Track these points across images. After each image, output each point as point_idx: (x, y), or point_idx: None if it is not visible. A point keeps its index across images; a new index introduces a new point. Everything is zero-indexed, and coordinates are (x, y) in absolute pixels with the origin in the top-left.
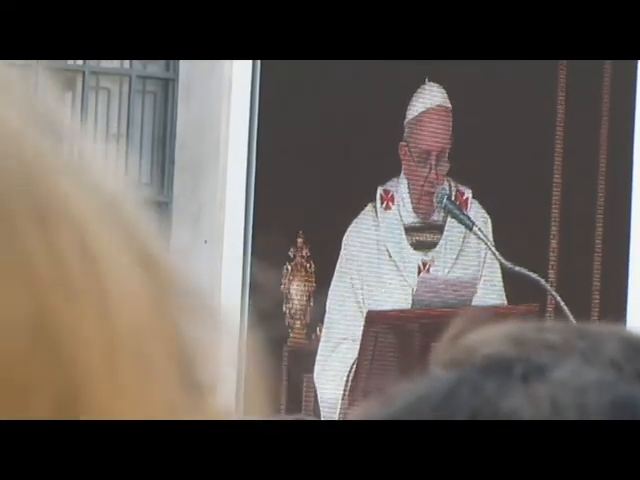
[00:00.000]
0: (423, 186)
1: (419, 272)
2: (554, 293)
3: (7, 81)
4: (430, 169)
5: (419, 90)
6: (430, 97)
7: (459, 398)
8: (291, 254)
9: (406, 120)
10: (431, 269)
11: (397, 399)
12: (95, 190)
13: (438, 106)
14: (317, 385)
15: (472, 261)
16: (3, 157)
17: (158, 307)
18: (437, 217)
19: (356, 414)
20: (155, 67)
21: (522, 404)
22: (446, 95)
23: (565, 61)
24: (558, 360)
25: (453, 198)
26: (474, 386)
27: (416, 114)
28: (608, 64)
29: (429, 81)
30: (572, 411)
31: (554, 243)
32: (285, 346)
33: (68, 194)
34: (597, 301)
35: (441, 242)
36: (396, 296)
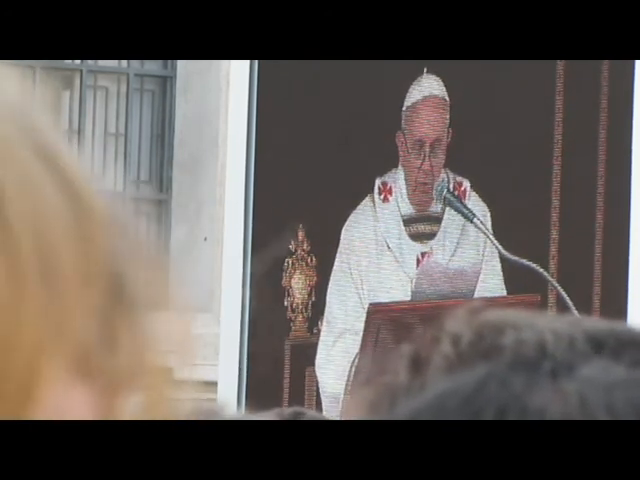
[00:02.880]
0: (418, 176)
1: (418, 263)
2: (555, 283)
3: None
4: (424, 158)
5: (416, 80)
6: (427, 87)
7: (487, 393)
8: (292, 248)
9: (402, 109)
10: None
11: (425, 392)
12: (17, 115)
13: (434, 96)
14: (319, 378)
15: (471, 252)
16: None
17: (78, 229)
18: (435, 208)
19: (359, 400)
20: (153, 65)
21: (550, 401)
22: (443, 86)
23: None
24: (586, 358)
25: (452, 189)
26: (502, 381)
27: (412, 102)
28: (606, 61)
29: (427, 72)
30: (601, 409)
31: (554, 233)
32: (287, 340)
33: None
34: (598, 289)
35: (439, 233)
36: (396, 288)
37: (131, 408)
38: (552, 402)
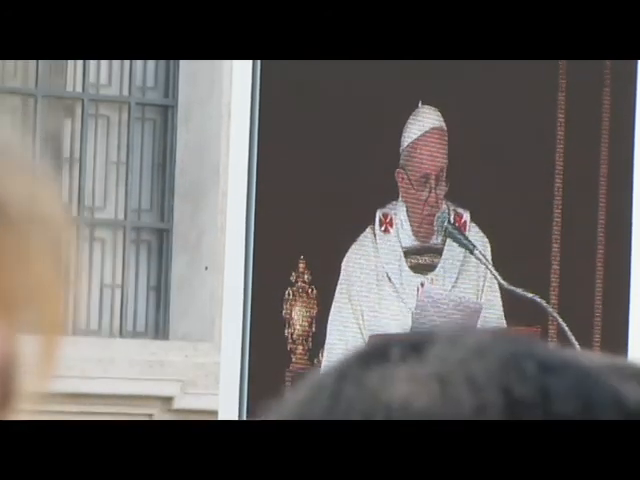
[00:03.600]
0: (423, 210)
1: (418, 295)
2: (555, 315)
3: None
4: (430, 192)
5: (413, 115)
6: (424, 121)
7: (346, 397)
8: (292, 279)
9: (402, 147)
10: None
11: (286, 404)
12: None
13: (433, 129)
14: None
15: (471, 283)
16: None
17: None
18: (436, 240)
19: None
20: (154, 94)
21: (411, 392)
22: (440, 116)
23: (564, 76)
24: (430, 335)
25: (452, 221)
26: (357, 381)
27: (411, 140)
28: (608, 69)
29: (422, 104)
30: (462, 386)
31: (555, 265)
32: (287, 371)
33: None
34: (599, 321)
35: (440, 265)
36: (396, 319)
37: (29, 324)
38: (414, 393)
